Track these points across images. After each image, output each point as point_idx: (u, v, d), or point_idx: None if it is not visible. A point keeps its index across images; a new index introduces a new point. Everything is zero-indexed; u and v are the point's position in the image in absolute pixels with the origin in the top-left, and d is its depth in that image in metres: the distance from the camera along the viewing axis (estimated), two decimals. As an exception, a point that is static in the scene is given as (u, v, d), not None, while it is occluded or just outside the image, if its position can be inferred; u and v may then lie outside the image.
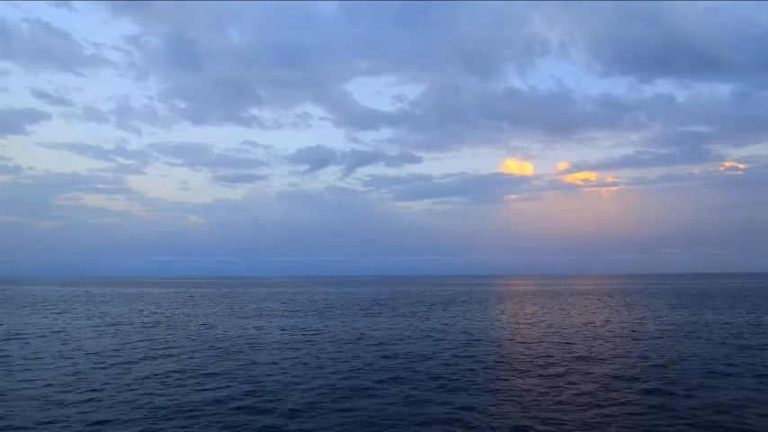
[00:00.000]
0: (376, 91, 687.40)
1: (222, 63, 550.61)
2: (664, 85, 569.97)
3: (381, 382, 15.51)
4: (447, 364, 18.18)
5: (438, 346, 22.79)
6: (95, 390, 14.50)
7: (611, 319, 34.55)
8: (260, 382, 15.60)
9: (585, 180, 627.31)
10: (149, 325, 32.26)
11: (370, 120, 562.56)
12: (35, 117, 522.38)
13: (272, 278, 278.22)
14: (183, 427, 11.22)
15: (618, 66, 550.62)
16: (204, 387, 14.91)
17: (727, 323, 31.30)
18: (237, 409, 12.64)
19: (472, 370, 17.16)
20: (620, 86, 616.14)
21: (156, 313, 41.94)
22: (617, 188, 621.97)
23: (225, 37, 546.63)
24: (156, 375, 16.52)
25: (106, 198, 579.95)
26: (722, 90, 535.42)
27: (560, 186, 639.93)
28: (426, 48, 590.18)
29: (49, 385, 15.06)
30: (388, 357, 19.85)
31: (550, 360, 18.89)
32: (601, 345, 22.61)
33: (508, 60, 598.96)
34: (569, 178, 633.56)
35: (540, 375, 16.20)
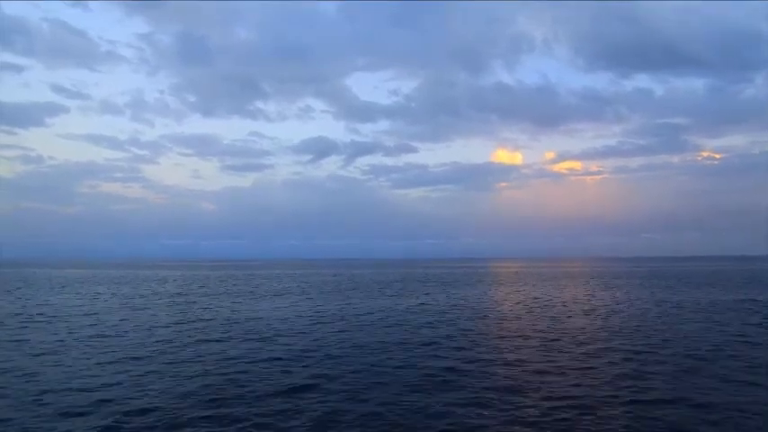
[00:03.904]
0: (373, 86, 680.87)
1: (229, 59, 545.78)
2: (642, 80, 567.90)
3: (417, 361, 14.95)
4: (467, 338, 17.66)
5: (457, 323, 22.29)
6: (133, 373, 13.87)
7: (600, 296, 34.14)
8: (305, 359, 15.02)
9: (571, 169, 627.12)
10: (177, 305, 31.63)
11: (368, 113, 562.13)
12: (55, 110, 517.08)
13: (279, 261, 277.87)
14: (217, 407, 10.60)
15: (598, 62, 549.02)
16: (245, 368, 14.29)
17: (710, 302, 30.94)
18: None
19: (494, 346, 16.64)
20: (602, 81, 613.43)
21: (179, 294, 41.30)
22: (601, 177, 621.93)
23: (232, 35, 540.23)
24: (192, 357, 15.88)
25: (123, 186, 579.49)
26: (697, 84, 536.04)
27: (547, 175, 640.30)
28: (420, 45, 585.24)
29: (86, 367, 14.43)
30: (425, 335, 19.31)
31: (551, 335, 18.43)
32: (597, 321, 22.17)
33: (496, 57, 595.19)
34: (556, 167, 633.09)
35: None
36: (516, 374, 13.20)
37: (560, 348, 16.73)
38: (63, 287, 49.84)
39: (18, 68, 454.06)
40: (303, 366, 14.28)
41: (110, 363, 14.67)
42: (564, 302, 32.61)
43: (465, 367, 14.05)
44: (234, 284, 55.11)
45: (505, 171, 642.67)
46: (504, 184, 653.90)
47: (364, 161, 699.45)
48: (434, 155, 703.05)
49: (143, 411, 10.21)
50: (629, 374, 13.09)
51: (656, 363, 14.46)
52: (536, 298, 36.25)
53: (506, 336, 19.44)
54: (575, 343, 17.69)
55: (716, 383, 12.18)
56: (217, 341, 18.36)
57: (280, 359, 15.24)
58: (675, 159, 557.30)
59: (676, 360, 14.79)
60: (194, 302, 33.54)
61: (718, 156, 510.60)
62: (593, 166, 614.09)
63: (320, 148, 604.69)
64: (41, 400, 11.03)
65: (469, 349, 16.73)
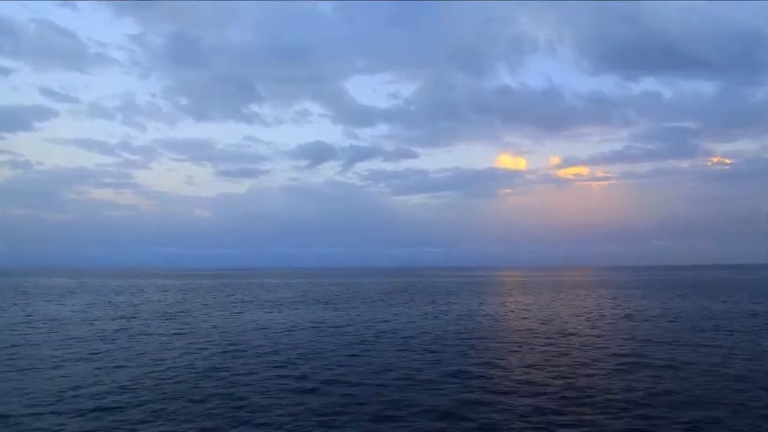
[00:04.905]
0: (372, 88, 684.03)
1: (223, 61, 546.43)
2: (650, 83, 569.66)
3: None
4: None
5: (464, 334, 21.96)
6: (131, 389, 13.53)
7: (605, 308, 33.81)
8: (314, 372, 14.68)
9: (577, 175, 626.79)
10: (173, 317, 31.27)
11: (367, 116, 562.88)
12: (43, 114, 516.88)
13: (275, 269, 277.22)
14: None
15: (604, 64, 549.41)
16: (252, 384, 13.95)
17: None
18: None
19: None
20: (608, 84, 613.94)
21: (175, 304, 40.91)
22: (608, 182, 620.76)
23: (226, 35, 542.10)
24: (193, 374, 15.54)
25: (114, 192, 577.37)
26: (706, 87, 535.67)
27: (553, 181, 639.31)
28: (419, 46, 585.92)
29: (85, 378, 14.09)
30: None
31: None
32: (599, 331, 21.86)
33: (498, 58, 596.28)
34: (561, 173, 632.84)
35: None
36: (546, 398, 12.86)
37: (585, 363, 16.40)
38: (53, 296, 49.43)
39: (5, 71, 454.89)
40: (310, 383, 13.95)
41: (107, 377, 14.34)
42: (575, 313, 32.27)
43: (484, 397, 13.72)
44: (231, 294, 54.72)
45: (509, 177, 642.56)
46: (507, 191, 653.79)
47: (363, 166, 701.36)
48: (435, 160, 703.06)
49: None
50: (670, 391, 12.79)
51: (698, 375, 14.15)
52: (545, 308, 35.90)
53: (526, 351, 19.08)
54: (598, 357, 17.35)
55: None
56: (217, 355, 18.02)
57: (286, 375, 14.91)
58: (685, 164, 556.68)
59: (710, 370, 14.47)
60: (191, 313, 33.18)
61: (729, 161, 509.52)
62: (600, 171, 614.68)
63: (317, 154, 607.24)
64: (33, 420, 10.69)
65: (487, 376, 16.38)
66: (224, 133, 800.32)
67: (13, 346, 19.77)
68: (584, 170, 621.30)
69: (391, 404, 11.78)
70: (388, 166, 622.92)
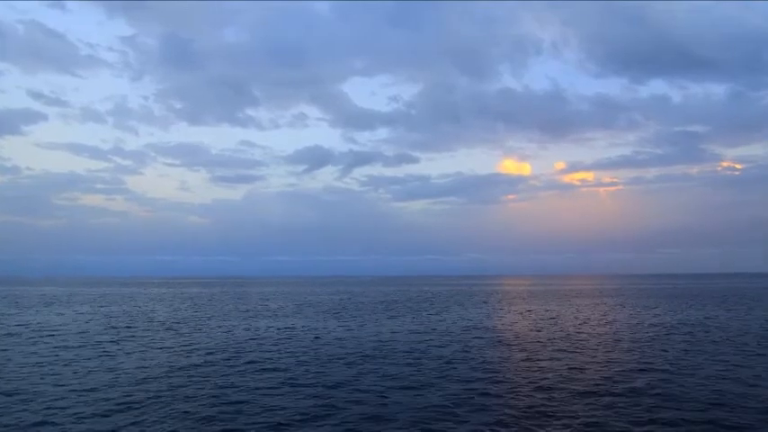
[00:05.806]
0: (371, 91, 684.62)
1: (218, 63, 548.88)
2: (657, 86, 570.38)
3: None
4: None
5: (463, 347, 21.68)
6: (127, 398, 13.26)
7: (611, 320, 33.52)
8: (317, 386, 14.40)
9: (583, 180, 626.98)
10: (170, 326, 30.97)
11: (366, 120, 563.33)
12: (32, 117, 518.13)
13: (273, 278, 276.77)
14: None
15: (610, 66, 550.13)
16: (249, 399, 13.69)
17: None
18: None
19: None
20: (614, 86, 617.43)
21: (170, 313, 40.59)
22: (615, 188, 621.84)
23: (220, 36, 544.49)
24: (190, 390, 15.27)
25: (105, 198, 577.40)
26: (716, 90, 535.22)
27: (558, 186, 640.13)
28: (419, 47, 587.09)
29: (81, 391, 13.81)
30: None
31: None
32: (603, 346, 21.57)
33: (501, 60, 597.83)
34: (566, 178, 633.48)
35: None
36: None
37: (608, 377, 16.14)
38: (43, 306, 49.08)
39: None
40: (317, 398, 13.69)
41: (102, 390, 14.06)
42: (587, 323, 32.00)
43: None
44: (227, 303, 54.39)
45: (512, 182, 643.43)
46: (511, 197, 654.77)
47: (362, 172, 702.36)
48: (437, 165, 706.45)
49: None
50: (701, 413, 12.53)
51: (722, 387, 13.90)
52: (553, 318, 35.64)
53: (545, 365, 18.80)
54: (621, 370, 17.07)
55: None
56: (218, 368, 17.75)
57: (290, 383, 14.65)
58: (694, 170, 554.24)
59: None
60: (187, 323, 32.87)
61: (739, 166, 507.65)
62: (606, 176, 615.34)
63: (315, 158, 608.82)
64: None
65: (506, 394, 16.06)
66: (219, 138, 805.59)
67: (4, 357, 19.48)
68: (589, 175, 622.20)
69: (408, 423, 11.52)
70: (389, 172, 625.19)
